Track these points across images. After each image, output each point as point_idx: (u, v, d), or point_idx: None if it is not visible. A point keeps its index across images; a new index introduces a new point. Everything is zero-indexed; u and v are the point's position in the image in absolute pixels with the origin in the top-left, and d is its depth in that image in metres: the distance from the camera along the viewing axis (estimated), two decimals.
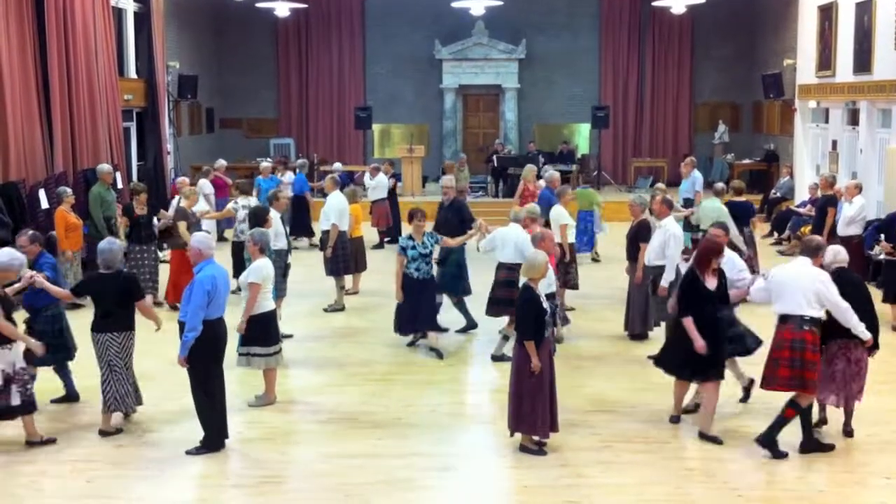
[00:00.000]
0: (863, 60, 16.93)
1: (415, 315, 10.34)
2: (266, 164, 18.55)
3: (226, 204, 17.21)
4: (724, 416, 8.33)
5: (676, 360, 8.01)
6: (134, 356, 8.15)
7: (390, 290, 13.00)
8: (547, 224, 11.15)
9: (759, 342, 8.47)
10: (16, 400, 7.61)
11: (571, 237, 12.09)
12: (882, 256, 12.23)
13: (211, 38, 25.38)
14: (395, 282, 10.34)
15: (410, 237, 10.31)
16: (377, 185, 17.64)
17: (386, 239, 17.79)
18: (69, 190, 13.06)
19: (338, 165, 19.71)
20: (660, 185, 14.74)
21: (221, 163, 18.80)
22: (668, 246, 9.94)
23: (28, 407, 7.73)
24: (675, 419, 8.27)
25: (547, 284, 8.34)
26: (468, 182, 20.38)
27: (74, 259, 12.76)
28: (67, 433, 8.03)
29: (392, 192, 18.04)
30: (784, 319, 7.51)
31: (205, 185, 17.20)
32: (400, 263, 10.27)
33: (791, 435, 7.66)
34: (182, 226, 12.28)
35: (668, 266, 9.88)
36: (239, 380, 9.11)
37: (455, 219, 11.65)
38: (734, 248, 9.57)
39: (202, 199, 16.81)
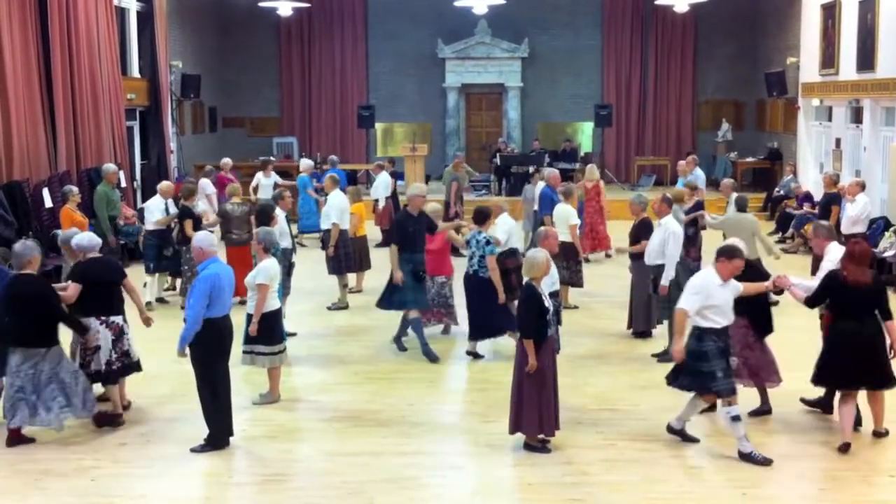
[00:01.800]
0: (866, 58, 16.91)
1: (492, 315, 10.02)
2: (307, 161, 18.54)
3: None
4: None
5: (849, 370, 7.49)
6: (139, 354, 8.51)
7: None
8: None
9: None
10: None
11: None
12: None
13: (214, 37, 25.39)
14: (498, 284, 9.87)
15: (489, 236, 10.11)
16: (379, 184, 17.61)
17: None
18: (75, 189, 13.02)
19: (333, 158, 19.28)
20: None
21: (227, 161, 18.66)
22: (667, 244, 9.94)
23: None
24: (846, 447, 7.50)
25: (550, 283, 8.34)
26: (468, 181, 20.32)
27: None
28: (71, 431, 8.03)
29: (394, 191, 17.99)
30: None
31: (206, 185, 17.10)
32: (494, 263, 9.92)
33: (816, 431, 7.65)
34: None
35: (668, 264, 9.89)
36: (244, 378, 9.13)
37: (427, 231, 10.60)
38: None
39: (203, 200, 16.75)
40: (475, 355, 10.28)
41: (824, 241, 8.30)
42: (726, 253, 7.47)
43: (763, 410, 8.28)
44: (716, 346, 7.38)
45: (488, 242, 9.96)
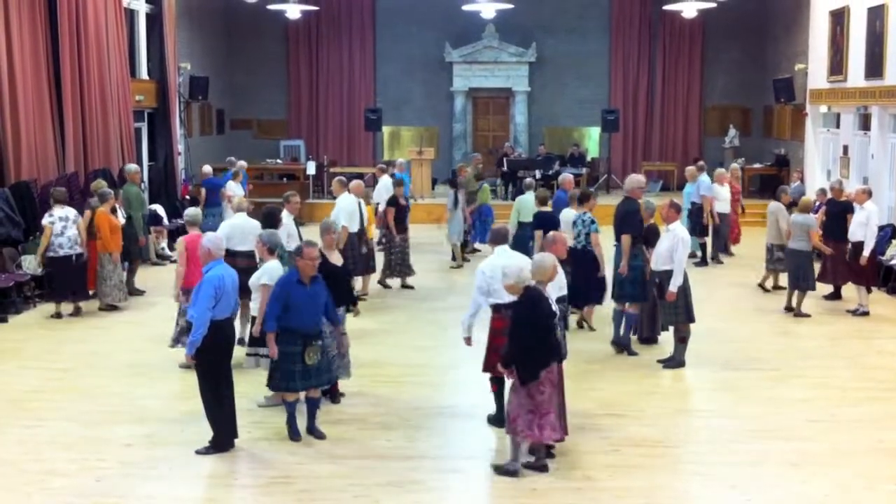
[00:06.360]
0: (874, 65, 16.88)
1: (590, 286, 11.30)
2: (207, 168, 17.98)
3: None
4: (739, 419, 8.32)
5: None
6: (143, 357, 8.31)
7: (398, 290, 13.10)
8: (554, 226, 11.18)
9: None
10: None
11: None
12: None
13: (222, 39, 25.45)
14: (601, 259, 11.23)
15: None
16: (381, 187, 17.54)
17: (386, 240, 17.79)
18: (111, 191, 12.80)
19: (401, 161, 18.88)
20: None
21: (207, 170, 17.90)
22: (676, 250, 9.91)
23: None
24: None
25: (557, 288, 8.33)
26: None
27: (119, 261, 12.50)
28: (75, 433, 8.05)
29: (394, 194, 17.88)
30: None
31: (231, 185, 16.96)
32: (598, 240, 11.25)
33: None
34: None
35: (676, 270, 9.85)
36: (248, 380, 9.13)
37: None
38: None
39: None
40: (588, 326, 11.53)
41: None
42: None
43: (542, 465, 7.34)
44: None
45: (593, 221, 11.27)
